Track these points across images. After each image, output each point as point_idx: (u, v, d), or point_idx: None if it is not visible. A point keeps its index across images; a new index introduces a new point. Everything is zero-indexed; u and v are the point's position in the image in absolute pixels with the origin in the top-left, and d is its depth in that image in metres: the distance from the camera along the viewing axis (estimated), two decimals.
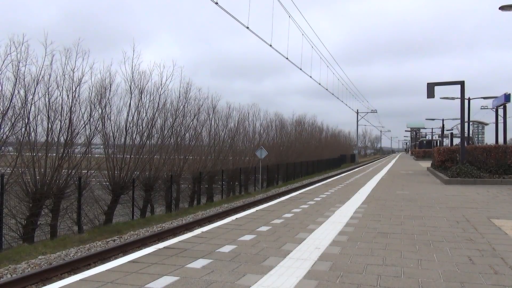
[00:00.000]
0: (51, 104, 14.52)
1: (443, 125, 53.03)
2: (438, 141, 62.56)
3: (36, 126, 14.31)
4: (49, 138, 14.47)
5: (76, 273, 5.14)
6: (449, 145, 41.28)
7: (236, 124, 29.88)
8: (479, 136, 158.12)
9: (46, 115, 14.44)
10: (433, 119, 53.27)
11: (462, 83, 18.24)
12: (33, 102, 14.04)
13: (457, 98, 21.40)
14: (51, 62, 14.44)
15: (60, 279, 5.46)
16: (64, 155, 14.58)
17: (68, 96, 15.01)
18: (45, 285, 7.88)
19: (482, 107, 45.27)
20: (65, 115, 14.92)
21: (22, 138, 13.85)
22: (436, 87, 18.04)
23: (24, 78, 13.80)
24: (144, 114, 18.79)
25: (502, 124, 24.17)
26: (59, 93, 14.86)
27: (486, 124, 43.50)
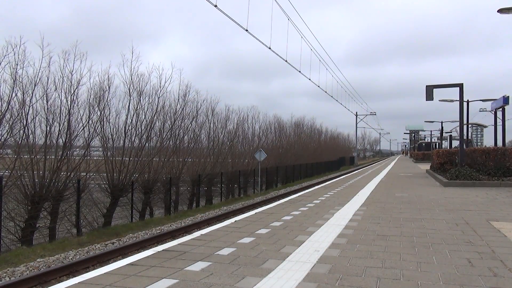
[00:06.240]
0: (49, 107, 14.54)
1: (442, 127, 53.09)
2: (437, 144, 62.62)
3: (35, 129, 14.33)
4: (47, 141, 14.46)
5: (75, 276, 5.13)
6: (448, 148, 41.34)
7: (235, 127, 29.94)
8: (478, 138, 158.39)
9: (45, 117, 14.44)
10: (432, 122, 53.35)
11: (461, 86, 18.26)
12: (31, 104, 14.05)
13: (456, 100, 21.43)
14: (49, 64, 14.47)
15: (59, 282, 5.43)
16: (63, 157, 14.56)
17: (66, 98, 15.03)
18: None
19: (481, 110, 45.29)
20: (63, 117, 14.93)
21: (20, 141, 13.84)
22: (435, 89, 18.07)
23: (22, 80, 13.81)
24: (143, 117, 18.83)
25: (501, 127, 24.18)
26: (57, 95, 14.90)
27: (485, 127, 43.56)
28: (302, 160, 43.39)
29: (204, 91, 39.58)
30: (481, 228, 7.28)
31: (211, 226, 7.93)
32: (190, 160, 23.38)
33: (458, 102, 18.77)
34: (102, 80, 16.93)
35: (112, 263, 5.79)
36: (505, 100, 21.95)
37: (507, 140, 27.89)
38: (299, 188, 27.34)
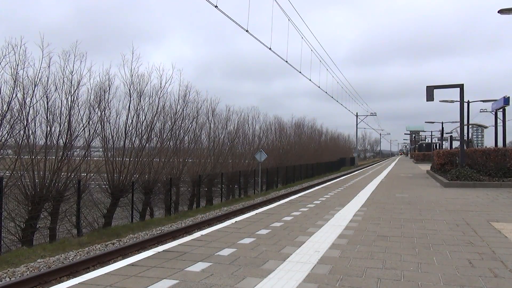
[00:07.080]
0: (49, 107, 14.54)
1: (442, 128, 53.09)
2: (438, 144, 62.62)
3: (35, 129, 14.34)
4: (48, 141, 14.46)
5: (75, 277, 5.12)
6: (449, 148, 41.31)
7: (235, 127, 29.95)
8: (479, 139, 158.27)
9: (45, 117, 14.45)
10: (433, 122, 53.43)
11: (461, 86, 18.27)
12: (31, 104, 14.06)
13: (456, 101, 21.42)
14: (49, 64, 14.47)
15: (59, 283, 5.44)
16: (63, 158, 14.56)
17: (67, 98, 15.04)
18: None
19: (482, 110, 45.23)
20: (64, 117, 14.93)
21: (21, 141, 13.84)
22: (436, 90, 18.07)
23: (22, 81, 13.81)
24: (143, 117, 18.83)
25: (502, 127, 24.18)
26: (57, 95, 14.90)
27: (486, 127, 43.49)
28: (303, 161, 43.38)
29: (204, 92, 39.73)
30: (482, 229, 7.28)
31: (212, 226, 7.93)
32: (191, 160, 23.38)
33: (459, 102, 18.76)
34: (102, 81, 16.97)
35: (112, 263, 5.79)
36: (506, 100, 21.96)
37: (507, 141, 27.88)
38: (299, 189, 27.32)
